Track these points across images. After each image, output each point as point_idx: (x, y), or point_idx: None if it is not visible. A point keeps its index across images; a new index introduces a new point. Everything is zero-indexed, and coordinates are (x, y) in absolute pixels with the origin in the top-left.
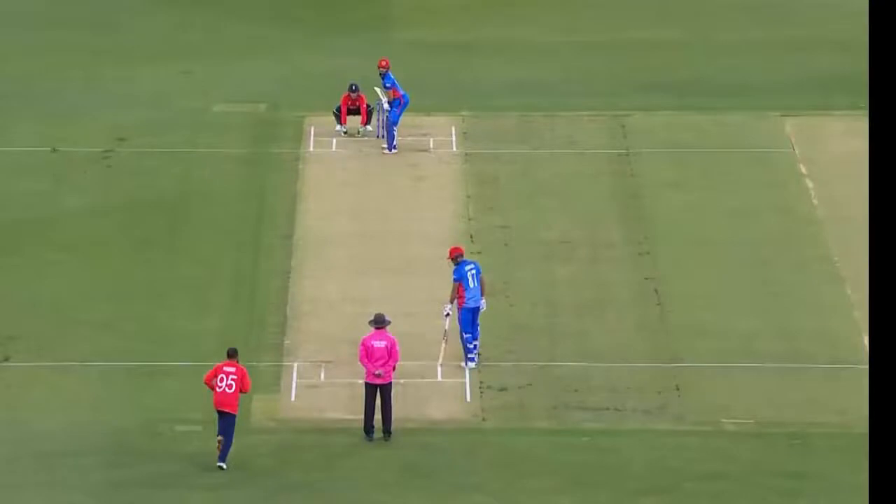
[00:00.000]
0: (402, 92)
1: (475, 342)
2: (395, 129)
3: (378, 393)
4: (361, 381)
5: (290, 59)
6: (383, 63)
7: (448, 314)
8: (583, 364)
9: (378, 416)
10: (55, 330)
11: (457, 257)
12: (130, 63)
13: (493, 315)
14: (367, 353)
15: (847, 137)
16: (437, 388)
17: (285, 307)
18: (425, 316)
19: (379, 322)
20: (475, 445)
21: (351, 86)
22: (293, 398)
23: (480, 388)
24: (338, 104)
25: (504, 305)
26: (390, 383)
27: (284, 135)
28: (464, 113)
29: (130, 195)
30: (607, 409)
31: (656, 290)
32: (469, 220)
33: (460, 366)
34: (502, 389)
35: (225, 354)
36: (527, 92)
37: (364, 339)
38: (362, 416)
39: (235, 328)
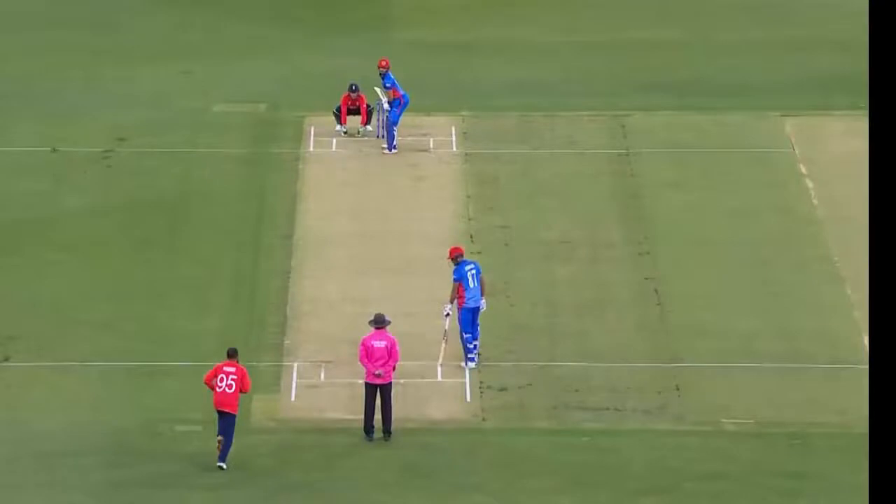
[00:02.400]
0: (402, 92)
1: (475, 342)
2: (395, 129)
3: (378, 393)
4: (361, 381)
5: (290, 59)
6: (383, 63)
7: (448, 314)
8: (583, 364)
9: (378, 416)
10: (55, 330)
11: (457, 257)
12: (130, 63)
13: (493, 315)
14: (367, 353)
15: (847, 137)
16: (437, 388)
17: (285, 307)
18: (425, 316)
19: (379, 322)
20: (475, 445)
21: (351, 86)
22: (293, 398)
23: (480, 388)
24: (338, 104)
25: (504, 305)
26: (390, 383)
27: (284, 135)
28: (464, 113)
29: (130, 195)
30: (607, 409)
31: (656, 290)
32: (469, 220)
33: (460, 366)
34: (502, 389)
35: (225, 354)
36: (527, 92)
37: (364, 339)
38: (362, 416)
39: (235, 328)
